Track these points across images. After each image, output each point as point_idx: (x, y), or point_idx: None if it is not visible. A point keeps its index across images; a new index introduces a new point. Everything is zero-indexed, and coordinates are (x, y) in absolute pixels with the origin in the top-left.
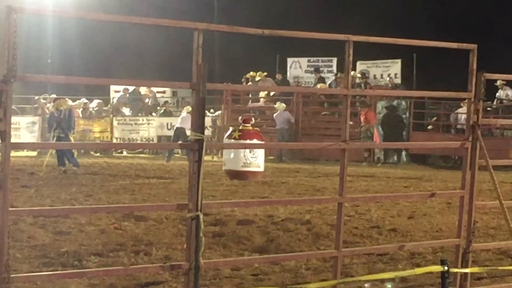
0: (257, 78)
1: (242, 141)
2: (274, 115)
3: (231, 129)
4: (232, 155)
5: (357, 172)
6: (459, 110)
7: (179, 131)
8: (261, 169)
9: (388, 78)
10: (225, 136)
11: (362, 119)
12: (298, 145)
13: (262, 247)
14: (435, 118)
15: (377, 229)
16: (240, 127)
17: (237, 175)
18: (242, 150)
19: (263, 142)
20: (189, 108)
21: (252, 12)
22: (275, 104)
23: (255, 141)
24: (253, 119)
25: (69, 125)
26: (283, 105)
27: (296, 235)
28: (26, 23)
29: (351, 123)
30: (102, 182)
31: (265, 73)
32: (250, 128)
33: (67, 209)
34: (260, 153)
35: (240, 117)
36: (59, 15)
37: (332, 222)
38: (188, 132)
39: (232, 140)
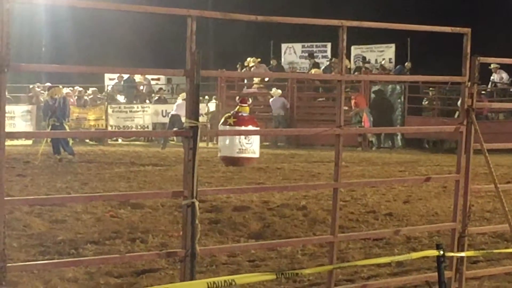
0: (251, 64)
1: (237, 127)
2: (270, 100)
3: (226, 114)
4: (227, 142)
5: (353, 157)
6: None
7: (175, 118)
8: (257, 155)
9: (382, 62)
10: (220, 122)
11: (352, 103)
12: (293, 131)
13: (258, 233)
14: (426, 102)
15: (373, 214)
16: (237, 108)
17: (233, 161)
18: (237, 137)
19: (257, 129)
20: (184, 95)
21: None
22: (271, 90)
23: (250, 127)
24: (250, 99)
25: (64, 114)
26: (279, 91)
27: (292, 221)
28: (19, 11)
29: (345, 108)
30: (97, 170)
31: (259, 59)
32: (247, 109)
33: (63, 197)
34: (255, 139)
35: (237, 98)
36: (52, 3)
37: (328, 207)
38: (184, 119)
39: (227, 127)
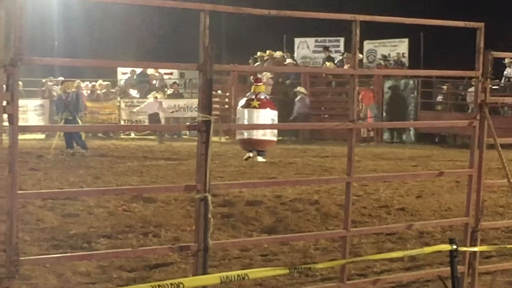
0: (265, 57)
1: (262, 110)
2: (296, 99)
3: (244, 99)
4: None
5: (365, 152)
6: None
7: (153, 118)
8: (276, 138)
9: (395, 56)
10: (240, 105)
11: (360, 99)
12: (306, 125)
13: (271, 228)
14: (441, 97)
15: (385, 209)
16: (253, 89)
17: (256, 144)
18: (262, 119)
19: (276, 112)
20: (155, 94)
21: None
22: (296, 88)
23: (268, 110)
24: (264, 78)
25: (77, 108)
26: (303, 89)
27: (304, 215)
28: (31, 5)
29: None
30: (110, 164)
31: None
32: (263, 87)
33: (76, 191)
34: (276, 122)
35: (251, 77)
36: None
37: (340, 202)
38: (162, 115)
39: (253, 109)
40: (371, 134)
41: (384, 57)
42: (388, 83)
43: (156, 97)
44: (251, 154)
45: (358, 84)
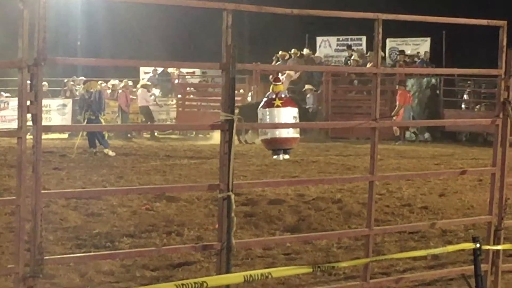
0: (286, 57)
1: (283, 108)
2: (307, 96)
3: (265, 98)
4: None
5: (388, 150)
6: None
7: (144, 110)
8: (299, 135)
9: (423, 54)
10: (261, 105)
11: (397, 98)
12: (329, 124)
13: (294, 227)
14: (467, 96)
15: (408, 207)
16: (272, 88)
17: (281, 142)
18: (285, 117)
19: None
20: (143, 83)
21: None
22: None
23: (289, 108)
24: (284, 77)
25: (100, 107)
26: (310, 86)
27: (327, 214)
28: (54, 5)
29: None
30: (133, 163)
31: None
32: (282, 87)
33: (99, 191)
34: (298, 119)
35: (270, 76)
36: None
37: (363, 200)
38: (152, 108)
39: (275, 109)
40: (397, 133)
41: (402, 52)
42: (410, 82)
43: (143, 86)
44: (281, 157)
45: (387, 83)
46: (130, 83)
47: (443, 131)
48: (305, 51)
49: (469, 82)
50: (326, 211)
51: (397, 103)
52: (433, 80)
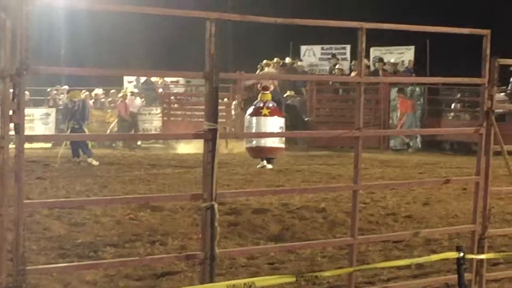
0: (270, 66)
1: (270, 118)
2: (288, 102)
3: (252, 107)
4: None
5: (372, 159)
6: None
7: (132, 117)
8: (284, 145)
9: (407, 62)
10: (248, 113)
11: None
12: (312, 133)
13: (278, 236)
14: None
15: (392, 216)
16: (260, 97)
17: (266, 151)
18: (271, 126)
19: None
20: (125, 91)
21: (266, 0)
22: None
23: (276, 117)
24: (271, 86)
25: (83, 116)
26: (292, 92)
27: (311, 223)
28: (37, 14)
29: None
30: (117, 172)
31: (281, 61)
32: (270, 96)
33: (82, 200)
34: (284, 129)
35: (259, 85)
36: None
37: (347, 209)
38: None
39: (261, 117)
40: (406, 140)
41: (381, 60)
42: (394, 90)
43: (133, 95)
44: (265, 163)
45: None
46: (129, 93)
47: (427, 140)
48: (288, 59)
49: (459, 91)
50: (310, 220)
51: (399, 111)
52: (417, 89)
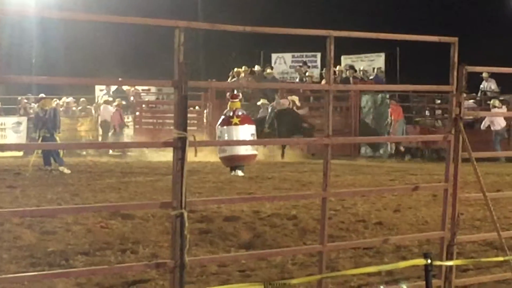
0: (241, 75)
1: (241, 126)
2: (260, 110)
3: (223, 116)
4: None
5: (343, 166)
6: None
7: (106, 125)
8: (257, 152)
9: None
10: (219, 123)
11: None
12: (282, 141)
13: (249, 243)
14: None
15: (363, 223)
16: (229, 105)
17: (240, 159)
18: (243, 134)
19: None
20: (106, 98)
21: (236, 9)
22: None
23: (247, 125)
24: (240, 94)
25: (55, 125)
26: (265, 101)
27: (282, 231)
28: (8, 23)
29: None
30: (88, 181)
31: (249, 68)
32: (239, 104)
33: (54, 209)
34: (255, 136)
35: (228, 94)
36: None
37: (318, 216)
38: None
39: (233, 126)
40: (402, 149)
41: (352, 67)
42: (365, 98)
43: (108, 104)
44: (239, 173)
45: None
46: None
47: (398, 147)
48: (256, 67)
49: (429, 98)
50: (281, 228)
51: (391, 118)
52: (388, 97)
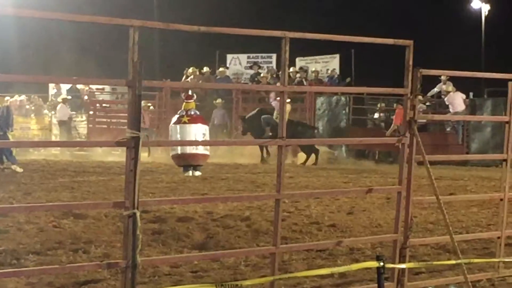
0: (189, 74)
1: (193, 125)
2: (214, 110)
3: (177, 115)
4: (184, 139)
5: (298, 168)
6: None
7: (64, 124)
8: (209, 152)
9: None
10: (172, 122)
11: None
12: (237, 142)
13: (202, 244)
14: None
15: (316, 225)
16: (183, 106)
17: (190, 158)
18: (193, 133)
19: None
20: (63, 97)
21: (193, 9)
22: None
23: (199, 125)
24: (194, 95)
25: (7, 123)
26: (221, 100)
27: (235, 232)
28: None
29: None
30: (41, 180)
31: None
32: (193, 104)
33: (5, 207)
34: (207, 136)
35: (182, 94)
36: None
37: (271, 218)
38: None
39: (180, 125)
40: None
41: (301, 69)
42: (320, 100)
43: (63, 99)
44: (196, 173)
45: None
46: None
47: (351, 150)
48: (205, 69)
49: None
50: (235, 229)
51: (394, 122)
52: (343, 99)
